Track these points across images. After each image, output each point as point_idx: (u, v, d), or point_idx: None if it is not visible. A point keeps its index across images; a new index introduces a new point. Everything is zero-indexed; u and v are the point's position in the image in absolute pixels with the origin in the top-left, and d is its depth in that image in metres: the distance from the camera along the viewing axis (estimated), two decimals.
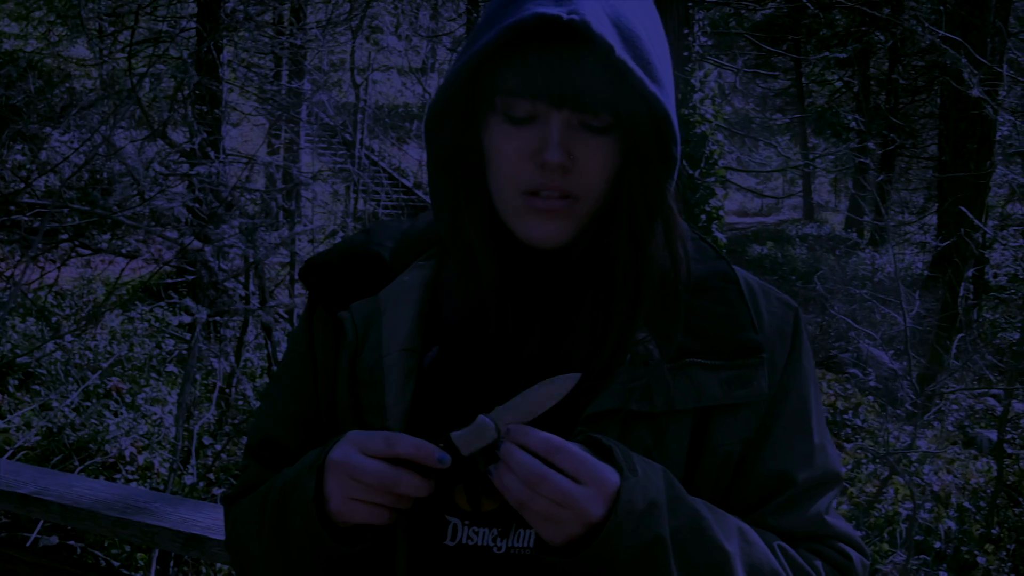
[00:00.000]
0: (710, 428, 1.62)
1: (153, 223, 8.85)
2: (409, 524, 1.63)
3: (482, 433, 1.48)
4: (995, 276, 17.91)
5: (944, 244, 12.42)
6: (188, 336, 9.61)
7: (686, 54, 12.22)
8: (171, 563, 6.81)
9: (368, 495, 1.50)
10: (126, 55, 10.82)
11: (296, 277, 10.39)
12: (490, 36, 1.53)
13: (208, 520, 2.87)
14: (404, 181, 23.88)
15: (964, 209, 13.21)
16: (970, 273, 14.26)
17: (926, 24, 12.12)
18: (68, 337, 10.26)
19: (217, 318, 7.85)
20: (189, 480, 7.99)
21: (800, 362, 1.72)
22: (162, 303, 12.23)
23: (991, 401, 12.83)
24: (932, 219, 20.38)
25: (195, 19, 11.74)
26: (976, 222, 13.25)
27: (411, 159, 24.91)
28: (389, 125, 22.28)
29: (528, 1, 1.52)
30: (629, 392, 1.58)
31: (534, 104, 1.53)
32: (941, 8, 13.51)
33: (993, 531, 8.64)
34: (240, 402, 9.70)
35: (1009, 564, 8.48)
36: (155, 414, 9.12)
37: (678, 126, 1.58)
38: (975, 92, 12.13)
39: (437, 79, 26.57)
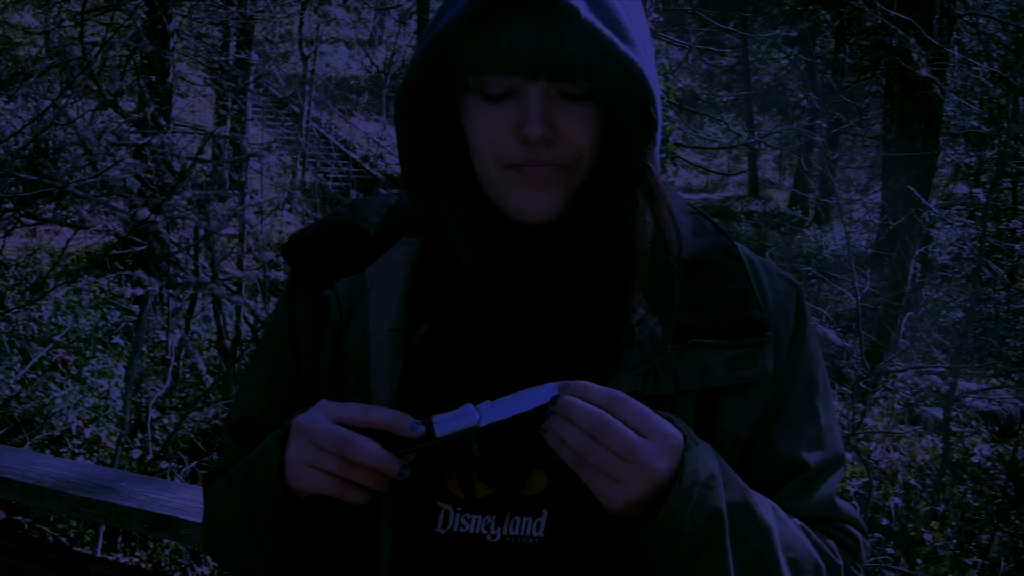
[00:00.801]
0: (718, 409, 1.60)
1: (102, 193, 8.74)
2: (396, 509, 1.58)
3: (463, 416, 1.44)
4: (939, 255, 18.06)
5: (896, 223, 12.49)
6: (134, 308, 9.51)
7: None
8: (118, 539, 6.76)
9: (324, 461, 1.45)
10: (74, 23, 10.69)
11: (245, 250, 10.36)
12: (452, 13, 1.50)
13: (177, 500, 2.82)
14: (351, 154, 23.77)
15: (912, 188, 13.31)
16: (918, 252, 14.35)
17: (878, 4, 12.11)
18: (12, 308, 10.13)
19: (169, 291, 7.75)
20: (136, 454, 7.92)
21: (805, 341, 1.71)
22: (109, 275, 12.11)
23: (935, 379, 12.97)
24: (876, 197, 20.52)
25: None
26: (924, 201, 13.34)
27: (359, 131, 24.81)
28: (337, 97, 22.14)
29: None
30: (640, 376, 1.54)
31: (508, 79, 1.50)
32: None
33: (939, 508, 8.74)
34: (188, 375, 9.63)
35: (955, 541, 8.59)
36: (102, 387, 9.02)
37: (658, 86, 1.54)
38: (924, 72, 12.20)
39: (384, 51, 26.46)
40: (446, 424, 1.44)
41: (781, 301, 1.69)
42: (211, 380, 8.94)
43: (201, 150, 6.87)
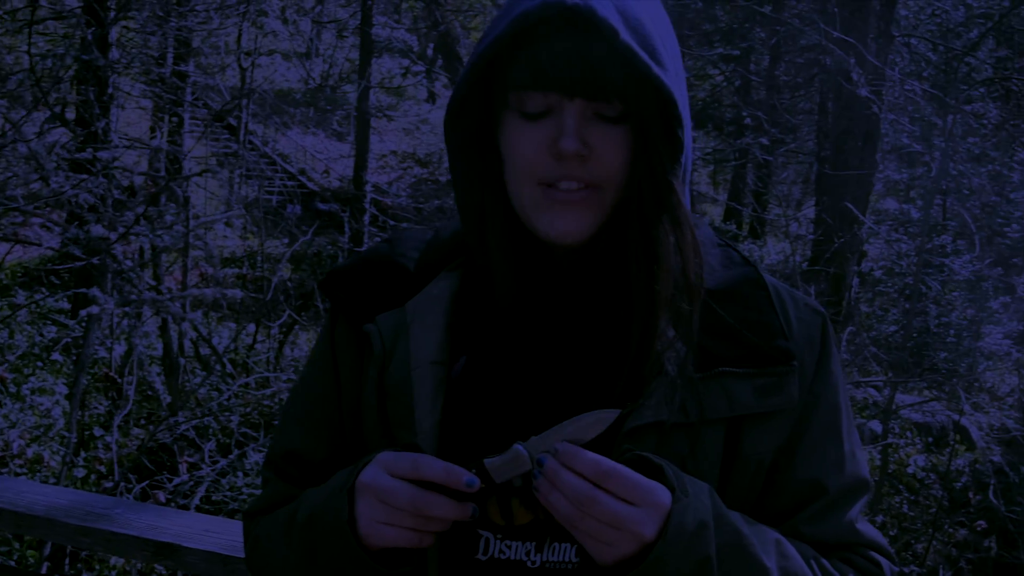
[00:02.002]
0: (742, 436, 1.62)
1: (45, 208, 8.64)
2: (440, 538, 1.60)
3: (516, 462, 1.47)
4: (871, 271, 18.31)
5: (842, 240, 12.64)
6: (72, 323, 9.41)
7: None
8: (66, 561, 6.69)
9: (397, 519, 1.50)
10: (12, 32, 10.57)
11: (190, 265, 10.30)
12: (499, 30, 1.54)
13: (176, 527, 2.78)
14: (288, 167, 23.69)
15: (850, 205, 13.49)
16: (856, 268, 14.55)
17: (820, 25, 12.27)
18: None
19: (126, 308, 7.68)
20: (80, 473, 7.85)
21: (830, 368, 1.72)
22: (44, 290, 11.97)
23: (872, 392, 13.14)
24: (809, 212, 20.75)
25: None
26: (861, 217, 13.53)
27: (294, 145, 24.75)
28: (275, 110, 22.07)
29: None
30: (666, 404, 1.56)
31: (546, 96, 1.53)
32: (835, 11, 13.73)
33: (877, 519, 8.86)
34: (131, 392, 9.55)
35: (892, 550, 8.73)
36: (42, 404, 8.93)
37: (687, 111, 1.58)
38: (863, 91, 12.37)
39: (321, 64, 26.41)
40: (503, 471, 1.48)
41: (807, 330, 1.70)
42: (169, 398, 8.86)
43: (151, 165, 6.80)
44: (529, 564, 1.61)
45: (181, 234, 8.22)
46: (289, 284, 11.87)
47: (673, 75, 1.57)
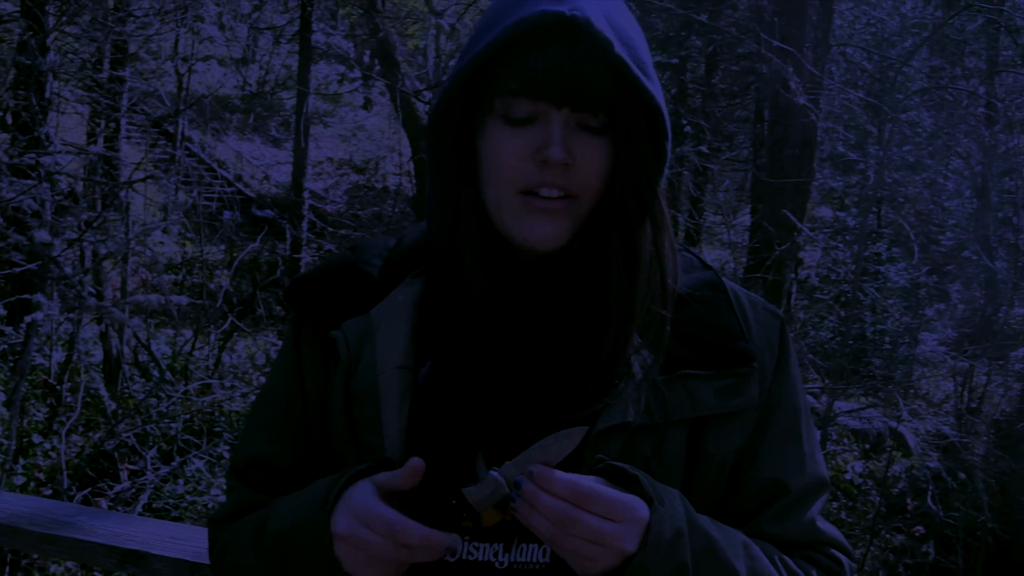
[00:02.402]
0: (705, 437, 1.66)
1: None
2: None
3: (494, 488, 1.49)
4: (807, 278, 18.49)
5: (783, 248, 12.75)
6: (8, 330, 9.31)
7: None
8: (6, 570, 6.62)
9: (379, 566, 1.52)
10: None
11: (130, 272, 10.22)
12: (494, 35, 1.55)
13: (142, 534, 2.77)
14: (224, 173, 23.53)
15: (788, 213, 13.61)
16: (794, 276, 14.68)
17: (761, 36, 12.37)
18: None
19: (71, 315, 7.62)
20: (19, 481, 7.77)
21: (788, 370, 1.77)
22: None
23: (809, 399, 13.27)
24: (745, 220, 20.93)
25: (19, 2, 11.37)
26: (799, 225, 13.65)
27: (230, 151, 24.60)
28: (211, 116, 21.95)
29: (528, 2, 1.54)
30: (632, 405, 1.60)
31: (535, 104, 1.55)
32: (775, 20, 13.85)
33: None
34: (70, 399, 9.46)
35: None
36: None
37: (669, 123, 1.61)
38: (801, 99, 12.49)
39: (258, 70, 26.26)
40: (482, 498, 1.49)
41: (766, 333, 1.75)
42: (113, 404, 8.78)
43: (88, 171, 6.75)
44: (497, 565, 1.64)
45: (123, 240, 8.16)
46: (231, 291, 11.80)
47: (659, 88, 1.61)
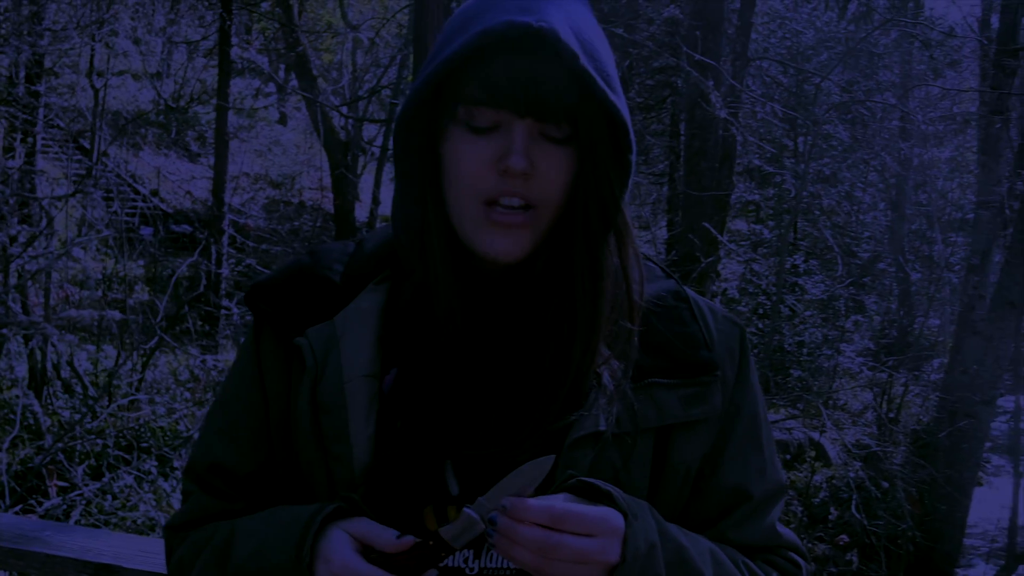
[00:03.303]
0: (670, 445, 1.68)
1: None
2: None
3: (471, 526, 1.49)
4: (724, 291, 18.68)
5: (708, 260, 12.89)
6: None
7: None
8: None
9: None
10: None
11: (54, 287, 10.07)
12: (460, 43, 1.55)
13: (112, 548, 2.76)
14: (140, 188, 23.28)
15: (708, 225, 13.77)
16: (712, 288, 14.83)
17: (684, 49, 12.51)
18: None
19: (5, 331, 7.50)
20: None
21: (749, 379, 1.79)
22: None
23: None
24: (662, 233, 21.10)
25: None
26: (720, 237, 13.83)
27: (147, 166, 24.33)
28: (126, 131, 21.69)
29: (494, 11, 1.55)
30: (602, 415, 1.61)
31: (497, 113, 1.55)
32: (696, 34, 14.01)
33: None
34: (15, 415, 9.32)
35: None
36: None
37: (634, 136, 1.61)
38: (722, 113, 12.66)
39: (173, 85, 26.01)
40: (459, 537, 1.49)
41: (726, 341, 1.77)
42: (47, 420, 8.65)
43: (21, 183, 6.65)
44: (468, 571, 1.64)
45: (51, 256, 8.05)
46: (166, 306, 11.65)
47: (623, 100, 1.61)
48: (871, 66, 19.06)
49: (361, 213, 23.30)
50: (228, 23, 16.41)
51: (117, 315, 9.16)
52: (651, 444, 1.66)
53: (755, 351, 15.94)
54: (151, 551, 2.80)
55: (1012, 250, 12.38)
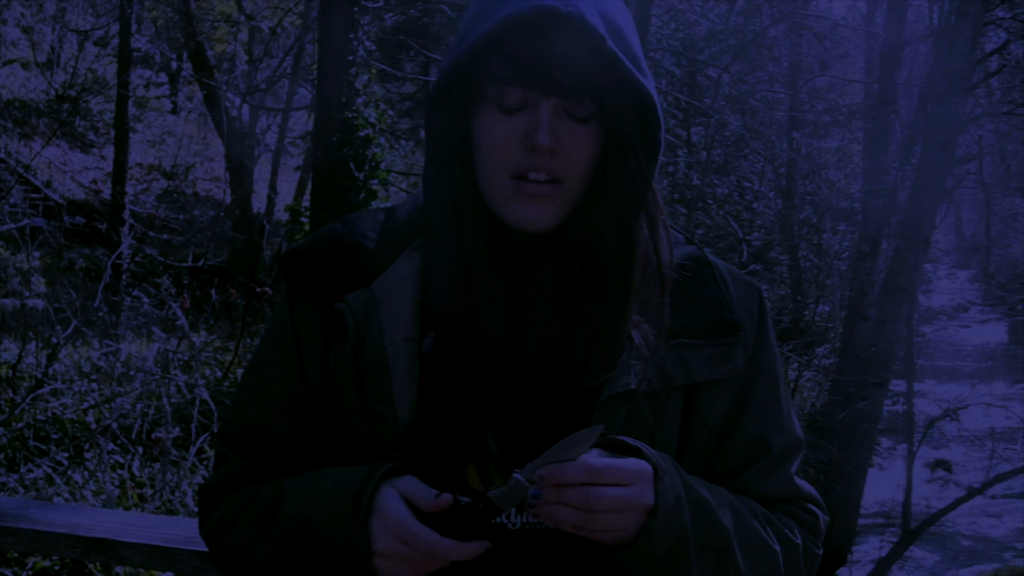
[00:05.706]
0: (697, 402, 1.79)
1: None
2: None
3: (517, 490, 1.55)
4: None
5: None
6: None
7: (351, 58, 12.33)
8: None
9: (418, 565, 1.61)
10: None
11: None
12: (488, 26, 1.65)
13: (105, 524, 2.79)
14: (32, 179, 22.80)
15: None
16: None
17: None
18: None
19: None
20: None
21: (768, 338, 1.91)
22: None
23: None
24: None
25: None
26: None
27: (40, 156, 23.84)
28: (16, 121, 21.24)
29: None
30: (635, 374, 1.71)
31: (524, 92, 1.66)
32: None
33: None
34: None
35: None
36: None
37: (662, 114, 1.73)
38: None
39: (64, 75, 25.48)
40: (506, 500, 1.56)
41: (746, 303, 1.88)
42: None
43: None
44: (510, 526, 1.73)
45: None
46: (75, 298, 11.49)
47: (651, 81, 1.72)
48: (759, 58, 19.33)
49: (257, 203, 23.05)
50: (128, 11, 16.18)
51: (40, 304, 9.05)
52: (680, 401, 1.76)
53: None
54: (144, 525, 2.84)
55: (903, 237, 12.67)
